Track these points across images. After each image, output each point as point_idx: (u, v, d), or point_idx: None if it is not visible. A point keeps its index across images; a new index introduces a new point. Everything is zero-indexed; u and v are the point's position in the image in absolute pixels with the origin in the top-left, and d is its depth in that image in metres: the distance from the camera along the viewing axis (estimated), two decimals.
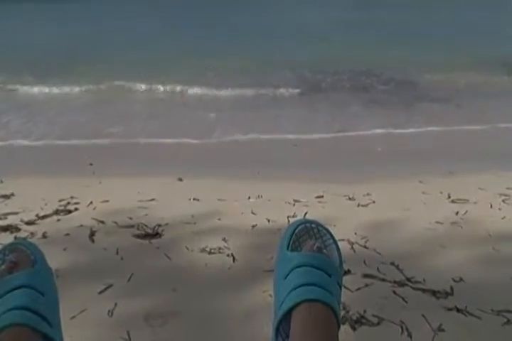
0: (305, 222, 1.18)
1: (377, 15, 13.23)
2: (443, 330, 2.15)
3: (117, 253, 2.76)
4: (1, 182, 3.89)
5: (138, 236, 2.96)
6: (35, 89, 8.31)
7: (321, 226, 1.18)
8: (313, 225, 1.17)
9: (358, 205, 3.47)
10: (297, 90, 7.99)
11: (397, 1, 16.02)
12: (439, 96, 7.26)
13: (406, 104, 7.05)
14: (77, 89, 8.28)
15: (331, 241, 1.16)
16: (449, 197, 3.60)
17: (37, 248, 1.13)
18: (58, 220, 3.19)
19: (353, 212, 3.37)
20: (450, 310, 2.29)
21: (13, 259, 1.06)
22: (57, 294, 1.09)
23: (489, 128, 5.82)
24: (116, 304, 2.30)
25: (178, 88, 8.25)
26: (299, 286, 1.04)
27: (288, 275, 1.08)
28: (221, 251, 2.79)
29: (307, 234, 1.15)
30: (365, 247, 2.86)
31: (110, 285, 2.45)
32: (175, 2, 17.77)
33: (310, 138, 5.59)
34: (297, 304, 1.01)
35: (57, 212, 3.28)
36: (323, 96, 7.60)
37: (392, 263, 2.67)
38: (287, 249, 1.13)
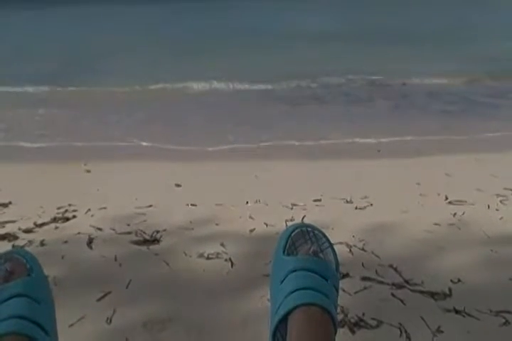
0: (301, 225, 1.18)
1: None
2: (442, 332, 2.15)
3: (116, 260, 2.76)
4: None
5: (136, 243, 2.96)
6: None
7: (317, 229, 1.18)
8: (309, 229, 1.17)
9: (356, 208, 3.47)
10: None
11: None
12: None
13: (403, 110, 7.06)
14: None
15: (327, 244, 1.16)
16: (447, 198, 3.61)
17: (33, 256, 1.13)
18: (56, 228, 3.19)
19: (351, 215, 3.37)
20: (449, 311, 2.29)
21: (8, 268, 1.06)
22: (53, 302, 1.09)
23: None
24: (114, 311, 2.30)
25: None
26: (295, 290, 1.04)
27: (284, 279, 1.08)
28: (219, 256, 2.79)
29: (303, 238, 1.15)
30: (363, 250, 2.86)
31: (109, 292, 2.44)
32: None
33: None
34: (294, 308, 1.01)
35: (55, 220, 3.28)
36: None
37: (391, 266, 2.67)
38: (283, 253, 1.13)
